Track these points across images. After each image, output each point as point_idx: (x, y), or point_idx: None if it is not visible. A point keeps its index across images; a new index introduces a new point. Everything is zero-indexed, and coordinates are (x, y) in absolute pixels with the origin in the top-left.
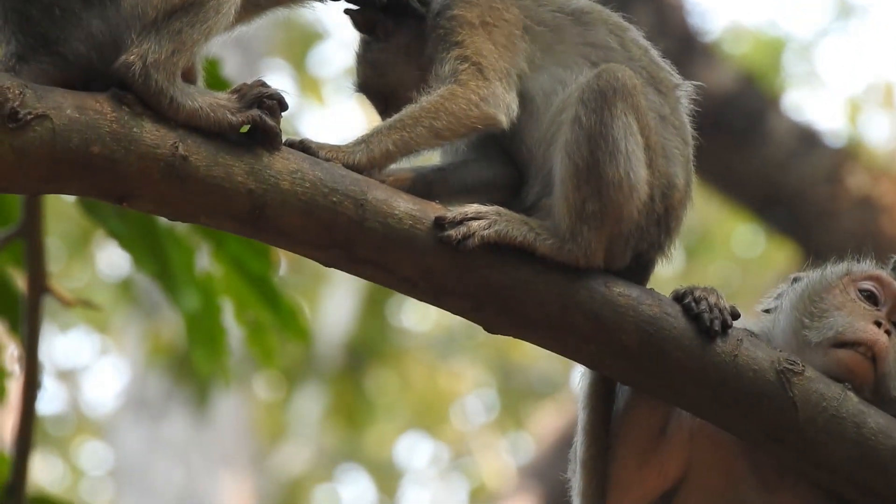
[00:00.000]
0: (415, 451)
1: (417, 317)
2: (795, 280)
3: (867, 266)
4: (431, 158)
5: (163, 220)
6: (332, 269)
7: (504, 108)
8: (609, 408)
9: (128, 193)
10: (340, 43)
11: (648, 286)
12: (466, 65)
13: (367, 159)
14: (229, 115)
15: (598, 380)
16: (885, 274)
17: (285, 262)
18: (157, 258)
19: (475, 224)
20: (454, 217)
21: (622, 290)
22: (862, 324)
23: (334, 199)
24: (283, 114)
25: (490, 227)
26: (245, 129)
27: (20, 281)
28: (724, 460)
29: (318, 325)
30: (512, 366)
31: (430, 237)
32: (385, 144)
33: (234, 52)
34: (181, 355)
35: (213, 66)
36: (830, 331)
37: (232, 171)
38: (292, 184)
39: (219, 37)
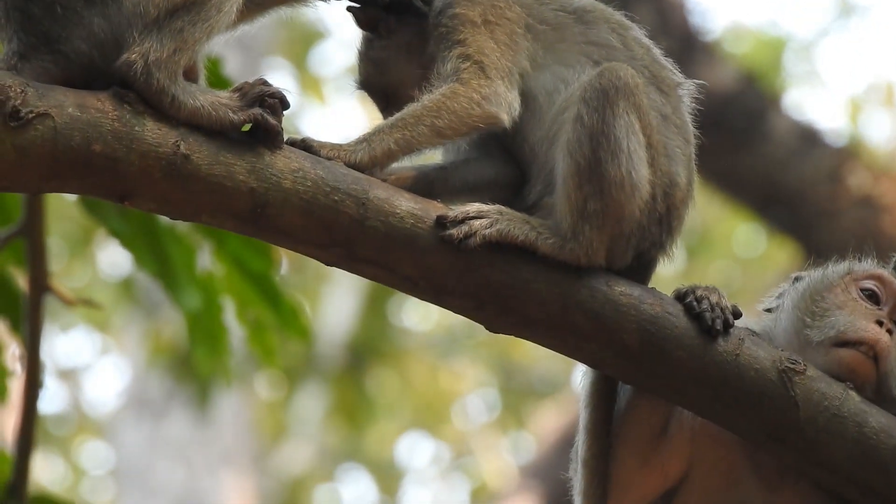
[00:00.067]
0: (416, 451)
1: (419, 316)
2: (797, 279)
3: (868, 265)
4: (433, 157)
5: (164, 219)
6: (334, 269)
7: (506, 106)
8: (611, 407)
9: (129, 192)
10: (342, 42)
11: (650, 285)
12: (468, 63)
13: (368, 158)
14: (231, 114)
15: (599, 379)
16: (886, 273)
17: (286, 262)
18: (158, 257)
19: (477, 223)
20: (456, 216)
21: (624, 290)
22: (863, 323)
23: (336, 197)
24: (284, 112)
25: (492, 225)
26: (247, 127)
27: (21, 280)
28: (726, 460)
29: (320, 325)
30: (513, 365)
31: (432, 236)
32: (387, 143)
33: (236, 50)
34: (182, 354)
35: (214, 65)
36: (832, 330)
37: (233, 169)
38: (294, 182)
39: (220, 35)
